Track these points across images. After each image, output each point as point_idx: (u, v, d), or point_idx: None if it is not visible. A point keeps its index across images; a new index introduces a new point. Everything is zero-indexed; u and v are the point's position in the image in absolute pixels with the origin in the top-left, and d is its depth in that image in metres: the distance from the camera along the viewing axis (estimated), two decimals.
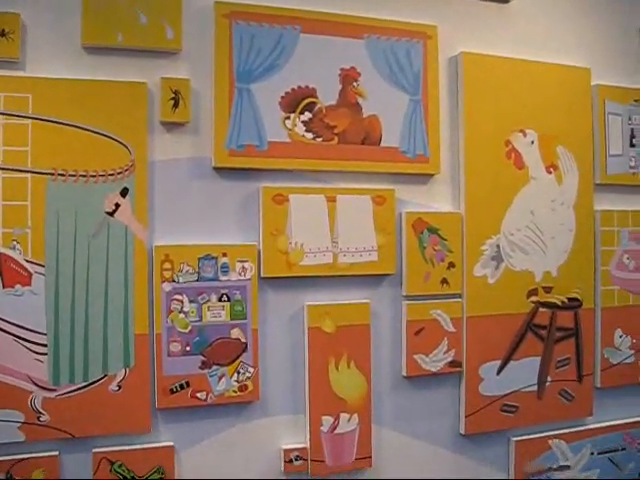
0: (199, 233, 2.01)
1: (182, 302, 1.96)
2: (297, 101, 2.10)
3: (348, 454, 2.14)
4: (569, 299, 2.45)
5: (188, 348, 1.97)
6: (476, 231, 2.31)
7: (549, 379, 2.41)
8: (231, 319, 2.01)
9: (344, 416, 2.13)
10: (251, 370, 2.03)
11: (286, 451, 2.09)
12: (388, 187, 2.21)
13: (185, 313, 1.97)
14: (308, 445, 2.11)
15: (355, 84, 2.16)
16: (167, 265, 1.95)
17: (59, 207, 1.87)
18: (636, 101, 2.58)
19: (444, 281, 2.26)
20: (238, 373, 2.01)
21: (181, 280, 1.96)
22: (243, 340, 2.02)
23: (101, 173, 1.90)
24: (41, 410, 1.85)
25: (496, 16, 2.40)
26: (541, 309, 2.40)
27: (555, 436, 2.44)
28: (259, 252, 2.05)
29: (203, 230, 2.02)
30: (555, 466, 2.45)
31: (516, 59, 2.38)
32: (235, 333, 2.01)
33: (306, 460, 2.10)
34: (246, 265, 2.02)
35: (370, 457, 2.18)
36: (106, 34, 1.92)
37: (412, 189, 2.27)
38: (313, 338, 2.10)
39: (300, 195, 2.09)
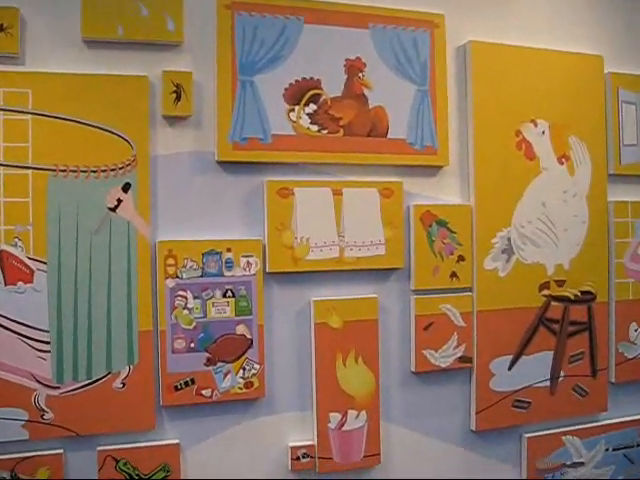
0: (203, 228, 2.00)
1: (186, 298, 1.95)
2: (302, 93, 2.07)
3: (356, 451, 2.12)
4: (582, 292, 2.41)
5: (193, 345, 1.95)
6: (486, 224, 2.28)
7: (562, 374, 2.38)
8: (236, 315, 1.99)
9: (352, 413, 2.11)
10: (257, 367, 2.01)
11: (293, 448, 2.08)
12: (395, 179, 2.19)
13: (189, 309, 1.95)
14: (315, 442, 2.09)
15: (361, 75, 2.14)
16: (170, 261, 1.94)
17: (60, 203, 1.86)
18: None
19: (453, 275, 2.23)
20: (244, 370, 2.00)
21: (185, 276, 1.94)
22: (248, 336, 2.00)
23: (103, 168, 1.89)
24: (45, 408, 1.84)
25: (505, 3, 2.36)
26: (553, 303, 2.37)
27: (568, 432, 2.41)
28: (264, 247, 2.03)
29: (207, 225, 2.00)
30: (569, 463, 2.42)
31: (526, 47, 2.34)
32: (240, 329, 2.00)
33: (313, 457, 2.09)
34: (251, 260, 2.00)
35: (379, 454, 2.16)
36: (106, 27, 1.90)
37: (420, 181, 2.24)
38: (320, 334, 2.08)
39: (305, 188, 2.06)
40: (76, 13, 1.88)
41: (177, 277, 1.94)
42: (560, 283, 2.38)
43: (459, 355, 2.24)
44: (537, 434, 2.37)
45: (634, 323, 2.51)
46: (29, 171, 1.83)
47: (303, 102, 2.07)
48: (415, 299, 2.20)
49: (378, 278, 2.19)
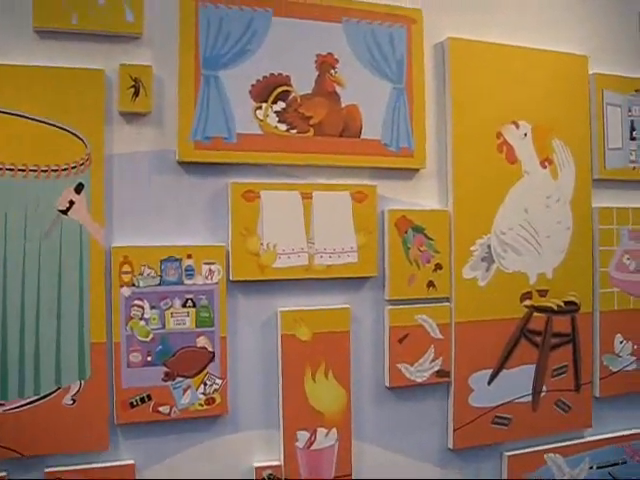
0: (161, 233, 1.93)
1: (143, 308, 1.88)
2: (269, 90, 2.02)
3: (326, 472, 2.07)
4: (565, 303, 2.38)
5: (149, 358, 1.89)
6: (465, 230, 2.24)
7: (544, 389, 2.36)
8: (197, 326, 1.93)
9: (321, 431, 2.06)
10: (219, 382, 1.94)
11: (258, 469, 2.01)
12: (369, 183, 2.14)
13: (146, 320, 1.88)
14: (282, 462, 2.03)
15: (333, 71, 2.09)
16: (126, 268, 1.87)
17: (7, 205, 1.77)
18: (637, 91, 2.54)
19: (430, 284, 2.19)
20: (205, 385, 1.93)
21: (142, 284, 1.88)
22: (210, 349, 1.94)
23: (54, 168, 1.81)
24: None
25: None
26: (535, 314, 2.35)
27: (551, 450, 2.38)
28: (228, 253, 1.97)
29: (166, 230, 1.94)
30: None
31: (508, 45, 2.31)
32: (201, 342, 1.93)
33: (280, 478, 2.02)
34: (213, 268, 1.94)
35: (350, 475, 2.10)
36: (59, 16, 1.81)
37: (395, 185, 2.20)
38: (287, 347, 2.02)
39: (273, 192, 2.01)
40: (27, 1, 1.79)
41: (133, 285, 1.87)
42: (543, 293, 2.36)
43: (436, 369, 2.20)
44: (518, 452, 2.34)
45: (619, 335, 2.49)
46: None
47: (271, 99, 2.02)
48: (389, 310, 2.15)
49: (350, 287, 2.13)
